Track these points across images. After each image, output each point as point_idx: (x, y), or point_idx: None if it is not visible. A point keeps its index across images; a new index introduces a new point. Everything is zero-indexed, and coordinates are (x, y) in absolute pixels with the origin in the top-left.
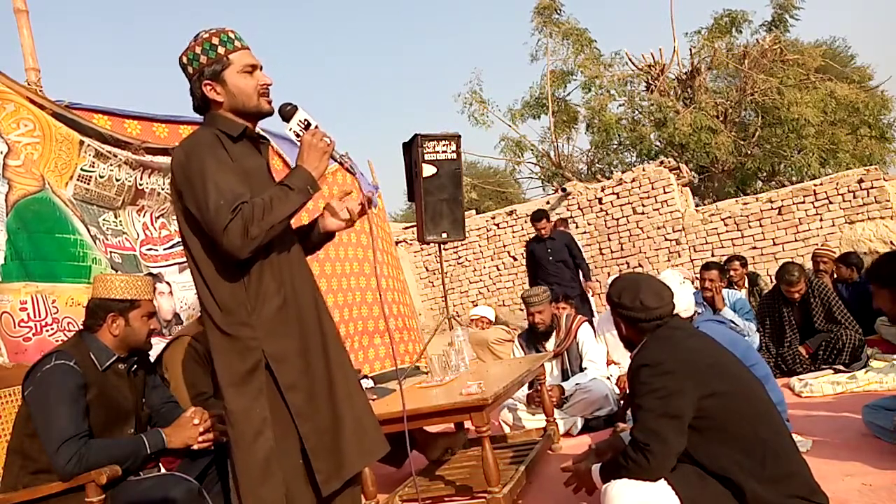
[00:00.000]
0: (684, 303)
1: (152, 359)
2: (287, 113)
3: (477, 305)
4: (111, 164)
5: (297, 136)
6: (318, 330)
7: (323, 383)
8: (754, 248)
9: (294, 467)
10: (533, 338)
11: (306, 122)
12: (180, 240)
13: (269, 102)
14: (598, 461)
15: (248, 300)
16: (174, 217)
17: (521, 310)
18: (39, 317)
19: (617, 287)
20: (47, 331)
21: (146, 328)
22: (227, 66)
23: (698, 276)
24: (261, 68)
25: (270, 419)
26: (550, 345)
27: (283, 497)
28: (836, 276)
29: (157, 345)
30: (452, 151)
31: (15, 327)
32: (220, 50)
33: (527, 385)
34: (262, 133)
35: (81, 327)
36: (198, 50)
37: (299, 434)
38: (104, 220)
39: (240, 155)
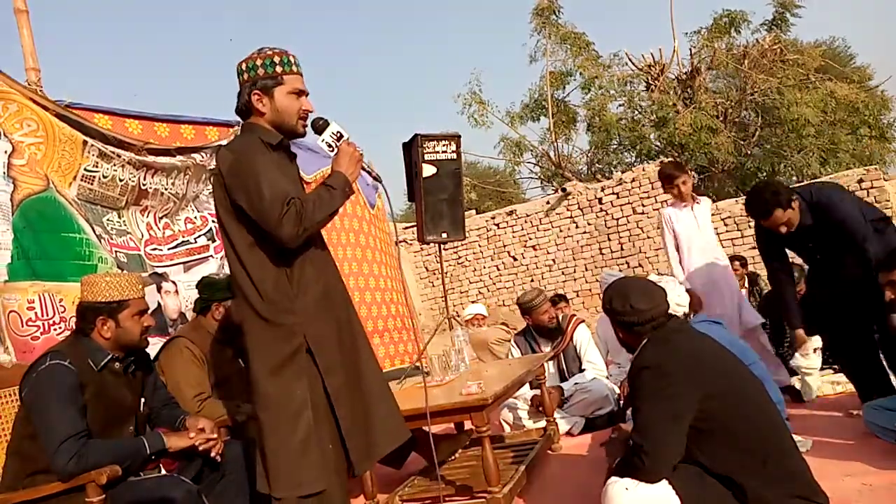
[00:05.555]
0: (677, 297)
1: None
2: (320, 126)
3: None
4: (114, 165)
5: (330, 146)
6: (348, 322)
7: (354, 372)
8: (754, 247)
9: (325, 451)
10: (531, 338)
11: (339, 134)
12: (222, 237)
13: (304, 127)
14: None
15: (290, 289)
16: (178, 217)
17: None
18: (47, 316)
19: (608, 294)
20: (55, 329)
21: (139, 327)
22: (279, 85)
23: None
24: (307, 95)
25: (309, 401)
26: (547, 345)
27: (319, 478)
28: None
29: (155, 346)
30: (452, 151)
31: (23, 326)
32: (278, 69)
33: (529, 385)
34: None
35: (75, 328)
36: (258, 62)
37: (335, 419)
38: (108, 219)
39: (278, 161)
